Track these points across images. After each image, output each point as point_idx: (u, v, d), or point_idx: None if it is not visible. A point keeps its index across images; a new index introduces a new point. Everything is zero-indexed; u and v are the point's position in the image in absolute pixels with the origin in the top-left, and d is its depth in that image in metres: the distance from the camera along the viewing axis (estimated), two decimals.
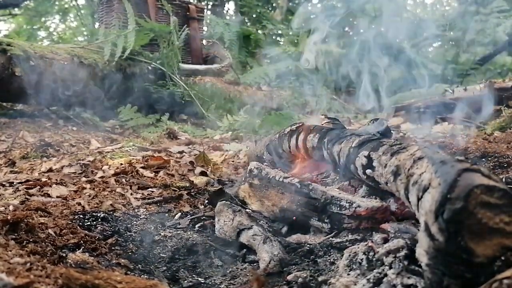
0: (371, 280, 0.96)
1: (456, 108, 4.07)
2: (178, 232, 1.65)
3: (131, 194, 2.06)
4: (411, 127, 4.10)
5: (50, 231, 1.38)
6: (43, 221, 1.45)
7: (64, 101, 4.58)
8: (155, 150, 3.11)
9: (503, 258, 0.80)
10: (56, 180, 2.22)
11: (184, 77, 5.33)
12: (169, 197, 2.04)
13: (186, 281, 1.27)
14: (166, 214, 1.87)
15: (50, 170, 2.46)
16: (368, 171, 1.32)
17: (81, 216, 1.66)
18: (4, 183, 2.15)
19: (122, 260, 1.35)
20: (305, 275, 1.12)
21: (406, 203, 1.10)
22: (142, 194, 2.10)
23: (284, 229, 1.56)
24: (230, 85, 5.81)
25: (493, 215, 0.81)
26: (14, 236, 1.25)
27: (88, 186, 2.13)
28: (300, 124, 1.87)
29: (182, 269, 1.36)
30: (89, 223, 1.62)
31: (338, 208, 1.38)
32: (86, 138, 3.77)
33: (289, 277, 1.15)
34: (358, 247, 1.11)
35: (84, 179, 2.29)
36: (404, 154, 1.14)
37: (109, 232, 1.56)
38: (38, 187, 2.06)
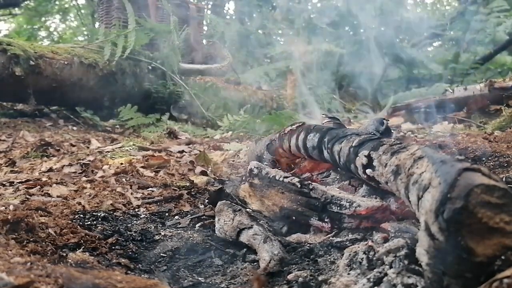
0: (371, 280, 0.96)
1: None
2: (179, 231, 1.65)
3: (131, 193, 2.07)
4: (411, 127, 4.10)
5: (50, 230, 1.38)
6: (43, 220, 1.45)
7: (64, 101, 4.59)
8: (155, 150, 3.11)
9: (503, 257, 0.80)
10: (57, 179, 2.22)
11: (184, 76, 5.33)
12: (170, 197, 2.04)
13: (186, 281, 1.27)
14: (167, 214, 1.87)
15: (51, 169, 2.46)
16: (368, 170, 1.32)
17: (81, 215, 1.66)
18: (4, 182, 2.15)
19: (123, 260, 1.35)
20: (305, 275, 1.12)
21: (406, 203, 1.10)
22: (143, 193, 2.11)
23: (284, 229, 1.56)
24: (230, 84, 5.82)
25: (493, 215, 0.81)
26: (14, 236, 1.25)
27: (88, 185, 2.13)
28: (300, 124, 1.87)
29: (182, 269, 1.36)
30: (89, 222, 1.62)
31: (338, 208, 1.37)
32: (86, 137, 3.77)
33: (290, 277, 1.15)
34: (359, 247, 1.11)
35: (84, 178, 2.29)
36: (404, 153, 1.14)
37: (110, 232, 1.56)
38: (39, 186, 2.07)
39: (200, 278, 1.29)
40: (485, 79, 4.97)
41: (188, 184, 2.25)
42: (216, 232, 1.56)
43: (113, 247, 1.43)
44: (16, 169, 2.53)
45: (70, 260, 1.20)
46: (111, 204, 1.87)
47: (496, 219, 0.81)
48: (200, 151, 2.98)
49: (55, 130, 4.12)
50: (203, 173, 2.48)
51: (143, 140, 3.75)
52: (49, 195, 1.95)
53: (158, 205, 1.96)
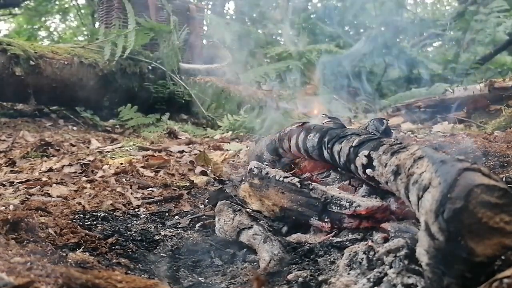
0: (371, 280, 0.96)
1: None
2: (178, 231, 1.65)
3: (131, 193, 2.07)
4: (411, 127, 4.11)
5: (50, 230, 1.38)
6: (43, 220, 1.45)
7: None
8: (155, 150, 3.11)
9: (503, 257, 0.80)
10: (57, 179, 2.22)
11: (184, 76, 5.33)
12: (170, 197, 2.04)
13: (186, 281, 1.27)
14: (167, 214, 1.87)
15: (51, 169, 2.46)
16: (368, 170, 1.32)
17: (82, 215, 1.66)
18: (4, 182, 2.15)
19: (123, 260, 1.35)
20: (305, 275, 1.12)
21: (406, 203, 1.10)
22: (143, 193, 2.11)
23: (284, 229, 1.56)
24: (230, 84, 5.81)
25: (493, 215, 0.81)
26: (14, 236, 1.25)
27: (88, 185, 2.13)
28: (301, 124, 1.87)
29: (183, 269, 1.36)
30: (89, 222, 1.62)
31: (338, 208, 1.37)
32: (86, 137, 3.77)
33: (290, 277, 1.15)
34: (358, 247, 1.11)
35: (84, 178, 2.29)
36: (404, 153, 1.14)
37: (110, 232, 1.56)
38: (39, 186, 2.06)
39: (200, 278, 1.29)
40: (485, 79, 4.97)
41: (188, 184, 2.25)
42: (216, 232, 1.56)
43: (113, 247, 1.43)
44: (16, 169, 2.53)
45: (70, 260, 1.20)
46: (111, 204, 1.87)
47: (496, 219, 0.81)
48: (200, 151, 2.98)
49: (55, 130, 4.12)
50: (203, 173, 2.48)
51: (143, 140, 3.75)
52: (49, 195, 1.95)
53: (158, 205, 1.96)
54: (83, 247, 1.37)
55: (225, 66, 5.73)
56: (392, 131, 1.84)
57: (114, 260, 1.34)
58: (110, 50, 4.69)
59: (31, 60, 4.19)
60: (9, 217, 1.28)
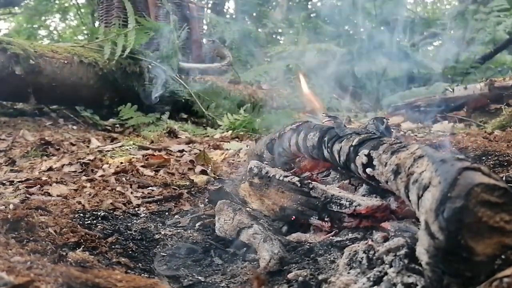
0: (371, 279, 0.96)
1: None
2: (178, 230, 1.65)
3: (131, 192, 2.07)
4: (411, 126, 4.11)
5: (50, 229, 1.38)
6: (43, 220, 1.45)
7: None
8: (155, 149, 3.11)
9: (503, 256, 0.80)
10: (56, 179, 2.22)
11: (184, 76, 5.32)
12: (169, 196, 2.04)
13: (186, 280, 1.27)
14: (166, 213, 1.87)
15: (50, 169, 2.46)
16: (368, 169, 1.32)
17: (81, 215, 1.66)
18: (4, 182, 2.15)
19: (122, 259, 1.35)
20: (305, 274, 1.12)
21: (406, 202, 1.10)
22: (142, 192, 2.11)
23: (284, 228, 1.56)
24: (231, 83, 5.80)
25: (493, 214, 0.81)
26: (14, 235, 1.25)
27: (88, 185, 2.13)
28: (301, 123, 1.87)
29: (182, 268, 1.36)
30: (89, 221, 1.62)
31: (338, 207, 1.37)
32: (86, 137, 3.77)
33: (290, 276, 1.15)
34: (358, 246, 1.11)
35: (84, 178, 2.29)
36: (404, 152, 1.14)
37: (109, 231, 1.56)
38: (38, 186, 2.07)
39: (200, 277, 1.29)
40: (485, 78, 4.97)
41: (188, 183, 2.25)
42: (216, 231, 1.56)
43: (113, 246, 1.43)
44: (16, 168, 2.53)
45: (70, 259, 1.20)
46: (111, 203, 1.87)
47: (496, 218, 0.81)
48: (200, 150, 2.98)
49: (55, 129, 4.12)
50: (203, 172, 2.48)
51: (143, 139, 3.75)
52: (49, 194, 1.95)
53: (158, 204, 1.96)
54: (83, 246, 1.37)
55: (225, 65, 5.72)
56: (392, 130, 1.84)
57: (114, 259, 1.34)
58: (110, 49, 4.68)
59: (31, 59, 4.18)
60: (9, 216, 1.28)
